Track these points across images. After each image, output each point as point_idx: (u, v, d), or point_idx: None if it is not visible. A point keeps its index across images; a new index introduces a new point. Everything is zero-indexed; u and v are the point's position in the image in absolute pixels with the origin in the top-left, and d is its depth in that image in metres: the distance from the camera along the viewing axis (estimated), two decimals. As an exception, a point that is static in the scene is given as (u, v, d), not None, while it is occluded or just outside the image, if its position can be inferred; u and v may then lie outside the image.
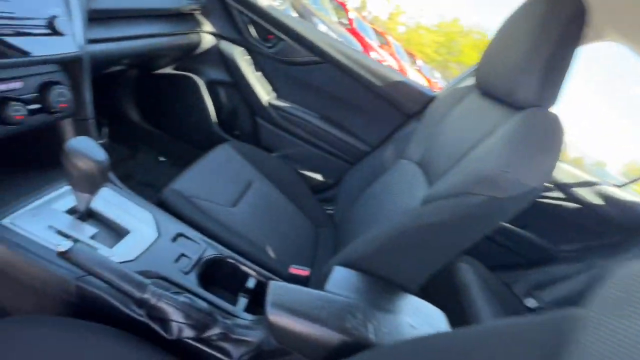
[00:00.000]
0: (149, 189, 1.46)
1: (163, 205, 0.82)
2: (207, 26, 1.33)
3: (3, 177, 0.67)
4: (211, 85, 1.40)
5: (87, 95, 0.74)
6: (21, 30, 0.57)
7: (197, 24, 1.30)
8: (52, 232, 0.61)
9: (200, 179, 1.02)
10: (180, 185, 0.94)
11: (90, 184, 0.58)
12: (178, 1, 1.20)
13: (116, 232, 0.70)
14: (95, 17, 0.82)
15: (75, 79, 0.71)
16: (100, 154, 0.57)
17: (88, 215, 0.69)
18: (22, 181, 0.67)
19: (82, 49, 0.70)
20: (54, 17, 0.63)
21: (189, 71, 1.42)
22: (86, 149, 0.56)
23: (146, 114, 1.59)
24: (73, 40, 0.68)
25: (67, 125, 0.74)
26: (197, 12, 1.30)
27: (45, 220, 0.59)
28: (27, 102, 0.60)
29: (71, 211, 0.67)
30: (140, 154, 1.62)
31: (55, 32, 0.63)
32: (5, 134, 0.59)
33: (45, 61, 0.64)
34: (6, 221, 0.59)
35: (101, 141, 1.74)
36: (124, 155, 1.58)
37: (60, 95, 0.66)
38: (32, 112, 0.62)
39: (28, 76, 0.61)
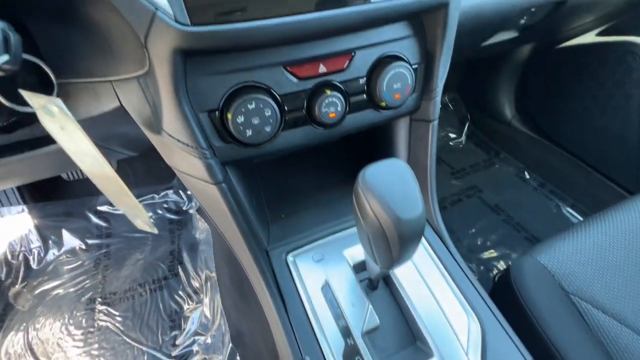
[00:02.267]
0: (500, 216, 1.05)
1: (499, 290, 0.49)
2: None
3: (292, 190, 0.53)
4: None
5: (439, 81, 0.42)
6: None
7: None
8: (323, 295, 0.38)
9: (617, 254, 0.48)
10: (554, 258, 0.47)
11: (385, 252, 0.26)
12: None
13: (409, 339, 0.37)
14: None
15: (431, 47, 0.40)
16: (415, 208, 0.24)
17: (383, 280, 0.41)
18: (321, 203, 0.50)
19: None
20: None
21: (628, 35, 0.79)
22: (392, 193, 0.24)
23: (523, 110, 1.14)
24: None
25: (401, 127, 0.46)
26: None
27: (325, 270, 0.42)
28: (348, 92, 0.37)
29: (360, 268, 0.41)
30: (497, 164, 1.22)
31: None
32: (299, 143, 0.38)
33: (396, 12, 0.36)
34: (290, 258, 0.42)
35: (459, 139, 1.52)
36: (478, 161, 1.24)
37: (399, 79, 0.38)
38: (353, 107, 0.39)
39: (361, 48, 0.37)
